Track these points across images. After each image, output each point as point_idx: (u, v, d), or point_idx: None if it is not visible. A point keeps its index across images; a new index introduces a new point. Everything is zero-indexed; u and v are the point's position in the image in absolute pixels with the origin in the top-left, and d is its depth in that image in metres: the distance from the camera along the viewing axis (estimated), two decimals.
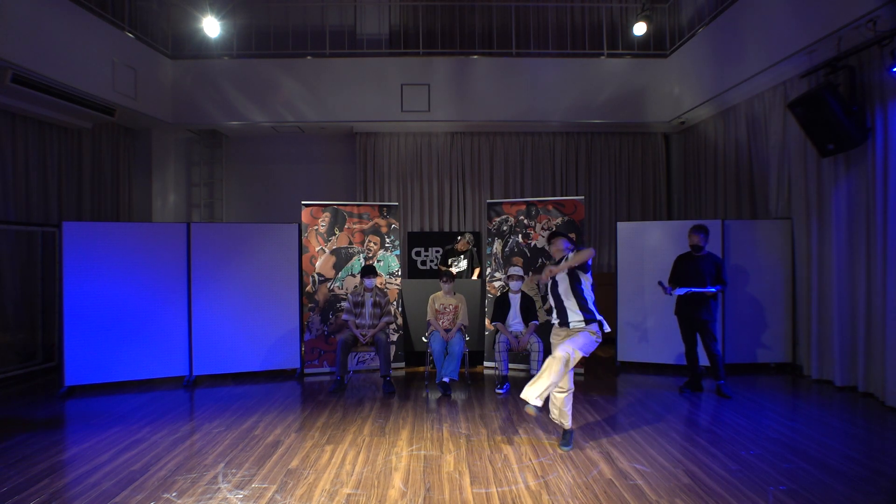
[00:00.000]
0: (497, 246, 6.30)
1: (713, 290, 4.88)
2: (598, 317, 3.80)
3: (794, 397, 4.96)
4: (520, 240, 6.19)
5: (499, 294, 5.76)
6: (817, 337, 5.46)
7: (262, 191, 8.70)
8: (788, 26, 5.29)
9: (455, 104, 7.79)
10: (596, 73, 7.84)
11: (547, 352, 5.82)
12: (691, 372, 5.15)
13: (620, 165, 8.54)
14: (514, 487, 3.10)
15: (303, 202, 6.11)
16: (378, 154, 8.49)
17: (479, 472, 3.32)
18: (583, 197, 6.31)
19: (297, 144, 8.69)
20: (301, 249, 5.95)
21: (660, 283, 5.01)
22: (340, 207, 6.17)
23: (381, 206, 6.27)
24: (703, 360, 5.21)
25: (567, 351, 3.59)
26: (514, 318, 5.42)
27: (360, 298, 5.51)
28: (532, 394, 3.54)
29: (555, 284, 3.83)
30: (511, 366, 5.98)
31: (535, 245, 6.13)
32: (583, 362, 5.91)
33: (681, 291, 5.02)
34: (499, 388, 5.19)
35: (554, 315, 3.88)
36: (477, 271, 6.71)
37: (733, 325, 5.92)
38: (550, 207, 6.10)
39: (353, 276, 6.06)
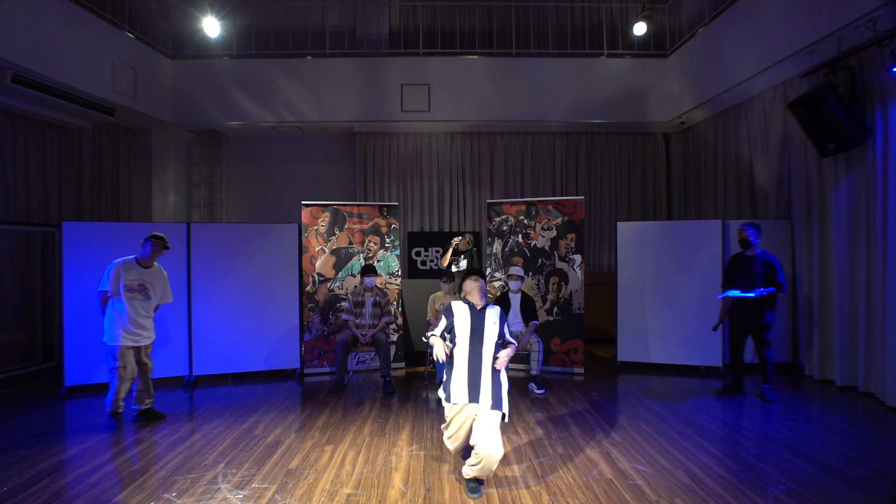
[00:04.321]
0: (497, 246, 6.30)
1: (752, 294, 4.64)
2: None
3: (795, 397, 4.95)
4: (520, 240, 6.19)
5: (498, 294, 5.76)
6: (818, 337, 5.46)
7: (262, 191, 8.70)
8: (788, 26, 5.29)
9: (455, 104, 7.79)
10: (596, 73, 7.84)
11: (546, 352, 5.85)
12: (734, 376, 4.97)
13: (620, 165, 8.54)
14: (514, 487, 3.10)
15: (303, 202, 6.11)
16: (378, 154, 8.48)
17: None
18: (583, 197, 6.31)
19: (297, 144, 8.69)
20: (301, 249, 5.95)
21: (715, 329, 5.04)
22: (340, 207, 6.16)
23: (381, 206, 6.26)
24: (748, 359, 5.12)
25: None
26: (514, 318, 5.42)
27: (360, 298, 5.51)
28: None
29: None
30: (511, 366, 5.97)
31: (535, 245, 6.13)
32: (583, 362, 5.92)
33: (722, 296, 4.88)
34: None
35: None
36: None
37: None
38: (550, 207, 6.10)
39: (353, 276, 6.06)
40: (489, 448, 2.86)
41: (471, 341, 3.04)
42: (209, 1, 6.91)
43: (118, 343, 4.13)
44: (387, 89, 7.75)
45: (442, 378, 3.25)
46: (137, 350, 4.26)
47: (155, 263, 4.34)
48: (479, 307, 3.11)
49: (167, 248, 4.33)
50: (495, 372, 3.03)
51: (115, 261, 4.19)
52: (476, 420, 2.98)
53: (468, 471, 3.02)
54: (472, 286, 3.14)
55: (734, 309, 4.91)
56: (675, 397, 4.98)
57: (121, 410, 4.20)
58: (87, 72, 6.16)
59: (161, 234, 4.34)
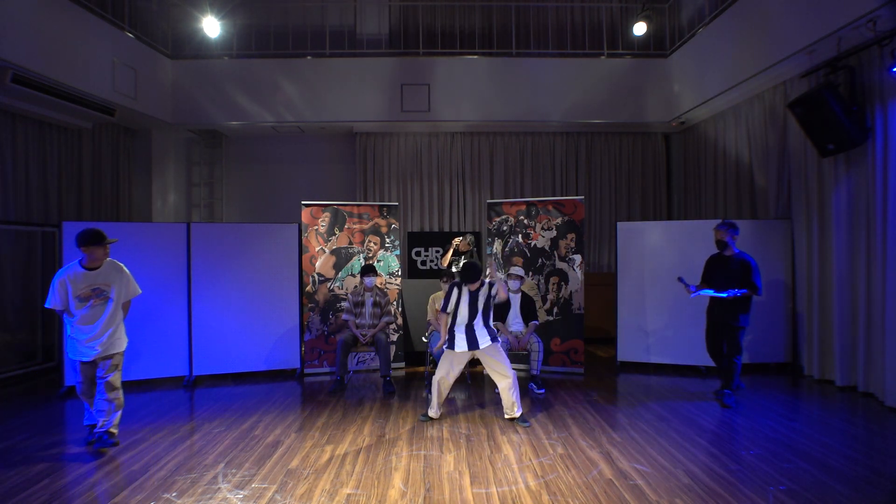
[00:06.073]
0: (497, 246, 6.30)
1: (725, 295, 4.56)
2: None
3: (795, 397, 4.96)
4: (520, 240, 6.19)
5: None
6: (818, 337, 5.46)
7: (262, 191, 8.70)
8: (788, 26, 5.29)
9: (455, 104, 7.79)
10: (596, 73, 7.84)
11: (546, 352, 5.85)
12: (721, 372, 4.88)
13: (620, 165, 8.54)
14: (514, 487, 3.10)
15: (303, 202, 6.11)
16: (378, 154, 8.49)
17: (479, 472, 3.32)
18: (583, 197, 6.31)
19: (297, 144, 8.69)
20: (301, 249, 5.95)
21: (679, 280, 4.83)
22: (340, 207, 6.17)
23: (381, 206, 6.27)
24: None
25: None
26: (515, 318, 5.42)
27: (360, 298, 5.51)
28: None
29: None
30: (511, 366, 5.97)
31: (535, 245, 6.12)
32: (583, 362, 5.92)
33: (696, 294, 4.77)
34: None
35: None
36: None
37: None
38: (550, 207, 6.10)
39: (353, 276, 6.06)
40: (505, 376, 4.20)
41: (469, 313, 4.23)
42: (209, 1, 6.91)
43: (75, 357, 3.74)
44: (387, 89, 7.75)
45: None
46: (102, 362, 3.74)
47: (105, 260, 3.79)
48: (473, 289, 4.26)
49: (111, 240, 3.78)
50: (486, 327, 4.28)
51: (59, 272, 3.68)
52: (484, 360, 4.28)
53: (511, 414, 4.24)
54: (470, 285, 4.25)
55: (710, 310, 4.87)
56: (675, 397, 4.98)
57: (115, 430, 3.77)
58: (87, 72, 6.16)
59: (91, 230, 3.69)
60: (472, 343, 4.22)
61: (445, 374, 4.31)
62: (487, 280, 4.34)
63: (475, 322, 4.23)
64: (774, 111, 6.12)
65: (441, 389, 4.34)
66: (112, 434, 3.69)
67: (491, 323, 4.34)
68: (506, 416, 4.30)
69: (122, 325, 3.84)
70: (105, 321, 3.71)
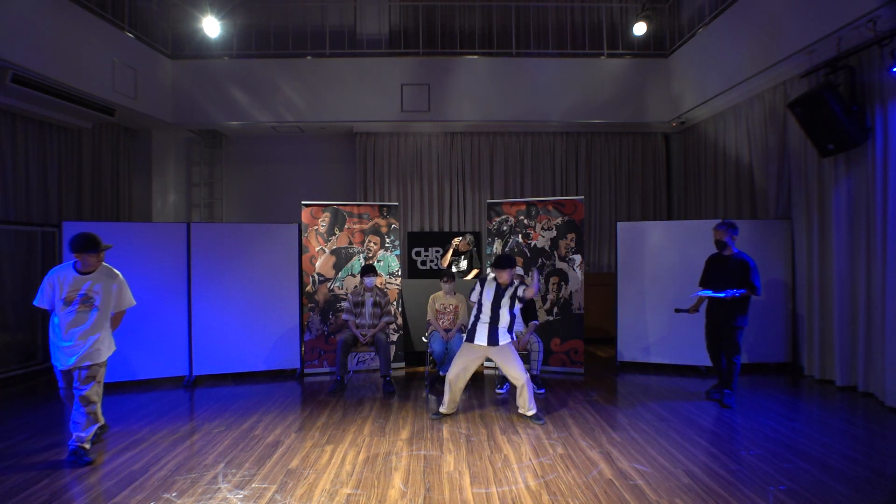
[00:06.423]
0: (497, 246, 6.29)
1: (723, 295, 4.53)
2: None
3: (795, 397, 4.96)
4: (520, 240, 6.19)
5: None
6: (818, 337, 5.46)
7: (262, 191, 8.70)
8: (788, 26, 5.29)
9: (455, 104, 7.79)
10: (596, 73, 7.84)
11: (546, 352, 5.85)
12: (718, 373, 4.88)
13: (620, 165, 8.54)
14: (514, 487, 3.10)
15: (303, 202, 6.11)
16: (378, 154, 8.49)
17: (479, 472, 3.32)
18: (583, 197, 6.31)
19: (297, 144, 8.69)
20: (301, 249, 5.95)
21: (677, 310, 4.92)
22: (340, 207, 6.16)
23: (381, 206, 6.27)
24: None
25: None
26: None
27: (360, 298, 5.51)
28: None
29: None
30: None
31: (535, 245, 6.12)
32: (583, 362, 5.92)
33: (694, 294, 4.79)
34: (499, 388, 5.19)
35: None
36: (474, 272, 6.71)
37: None
38: (550, 207, 6.10)
39: (353, 276, 6.06)
40: (519, 378, 4.24)
41: (492, 307, 4.26)
42: (209, 1, 6.91)
43: (55, 364, 3.56)
44: (387, 89, 7.75)
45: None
46: (78, 372, 3.51)
47: (101, 266, 3.60)
48: (503, 284, 4.29)
49: (107, 246, 3.59)
50: (508, 328, 4.30)
51: (51, 272, 3.53)
52: (498, 361, 4.34)
53: (525, 412, 4.30)
54: (500, 273, 4.25)
55: (709, 309, 4.85)
56: (675, 397, 4.98)
57: (87, 445, 3.52)
58: (87, 72, 6.15)
59: (85, 237, 3.49)
60: (493, 339, 4.24)
61: (460, 371, 4.32)
62: (517, 282, 4.33)
63: (499, 318, 4.25)
64: (774, 111, 6.12)
65: (454, 389, 4.35)
66: (87, 451, 3.51)
67: (514, 329, 4.37)
68: (522, 414, 4.38)
69: (107, 335, 3.62)
70: (86, 329, 3.49)
